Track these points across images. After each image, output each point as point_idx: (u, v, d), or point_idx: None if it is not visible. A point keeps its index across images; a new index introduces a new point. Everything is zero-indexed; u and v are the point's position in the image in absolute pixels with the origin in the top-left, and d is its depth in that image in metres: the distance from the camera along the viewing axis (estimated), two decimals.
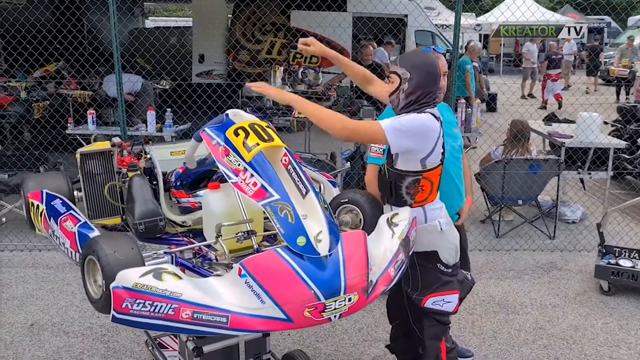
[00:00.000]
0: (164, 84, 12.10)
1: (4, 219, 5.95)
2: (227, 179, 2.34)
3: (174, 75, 11.97)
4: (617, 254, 4.71)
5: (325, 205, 2.28)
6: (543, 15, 19.31)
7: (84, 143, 6.22)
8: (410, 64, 2.55)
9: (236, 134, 2.40)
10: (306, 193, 2.25)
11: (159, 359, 3.15)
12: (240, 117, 2.54)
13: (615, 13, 17.91)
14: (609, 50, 20.96)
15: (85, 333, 3.94)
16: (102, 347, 3.77)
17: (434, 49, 3.00)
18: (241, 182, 2.28)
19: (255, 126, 2.43)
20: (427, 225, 2.63)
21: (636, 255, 4.65)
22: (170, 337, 3.33)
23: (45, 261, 5.15)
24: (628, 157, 7.27)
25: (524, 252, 5.43)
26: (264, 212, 2.70)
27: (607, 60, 19.26)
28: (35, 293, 4.53)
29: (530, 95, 15.73)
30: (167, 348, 3.26)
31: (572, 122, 7.14)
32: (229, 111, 2.58)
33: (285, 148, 2.40)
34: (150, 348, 3.29)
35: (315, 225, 2.16)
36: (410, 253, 2.53)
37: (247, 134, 2.38)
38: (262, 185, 2.23)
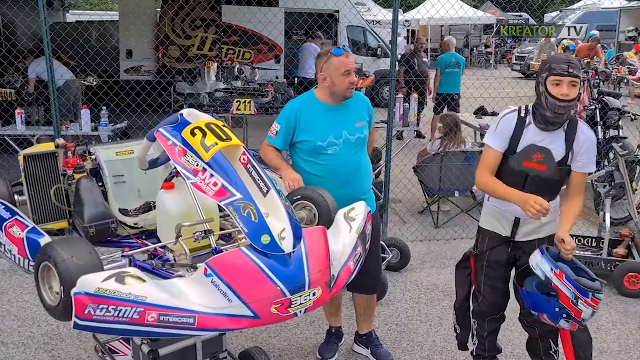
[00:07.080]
0: (91, 80, 11.67)
1: None
2: (186, 180, 2.32)
3: (99, 71, 11.57)
4: None
5: (287, 203, 2.31)
6: (466, 12, 20.00)
7: (13, 144, 5.91)
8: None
9: (193, 133, 2.38)
10: (267, 191, 2.27)
11: None
12: (195, 116, 2.52)
13: (532, 10, 18.88)
14: (527, 45, 21.99)
15: (26, 343, 3.77)
16: (46, 357, 3.62)
17: (343, 47, 3.18)
18: (200, 182, 2.27)
19: (212, 125, 2.42)
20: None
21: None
22: (120, 342, 3.25)
23: None
24: None
25: (462, 241, 5.64)
26: (221, 211, 2.72)
27: (526, 55, 20.26)
28: None
29: None
30: (118, 353, 3.18)
31: None
32: (183, 110, 2.55)
33: (244, 147, 2.41)
34: (100, 354, 3.20)
35: (278, 223, 2.18)
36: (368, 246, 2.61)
37: (204, 134, 2.37)
38: (223, 185, 2.23)
